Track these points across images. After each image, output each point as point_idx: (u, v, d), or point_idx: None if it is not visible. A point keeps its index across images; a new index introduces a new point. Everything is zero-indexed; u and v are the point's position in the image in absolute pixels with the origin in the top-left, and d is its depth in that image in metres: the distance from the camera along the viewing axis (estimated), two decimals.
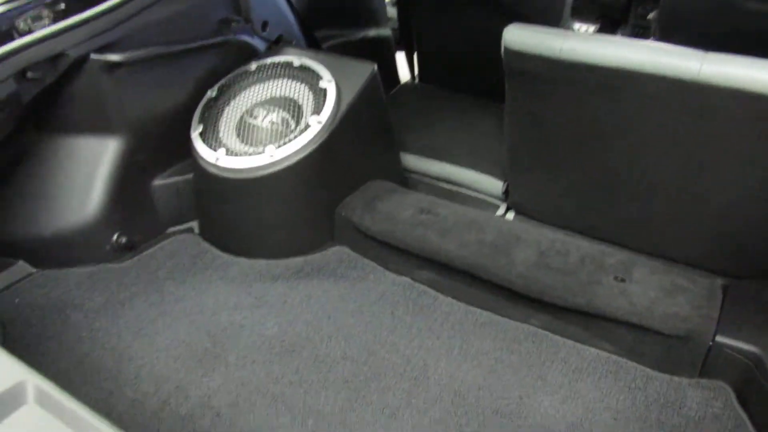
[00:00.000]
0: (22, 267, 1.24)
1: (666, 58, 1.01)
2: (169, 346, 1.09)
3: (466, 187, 1.54)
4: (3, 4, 1.12)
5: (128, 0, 1.18)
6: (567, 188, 1.32)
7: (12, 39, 1.08)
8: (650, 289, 1.08)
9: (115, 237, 1.28)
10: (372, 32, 2.07)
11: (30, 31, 1.10)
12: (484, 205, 1.51)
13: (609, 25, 2.19)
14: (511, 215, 1.47)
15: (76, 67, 1.13)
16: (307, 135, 1.23)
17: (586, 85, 1.10)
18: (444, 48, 1.93)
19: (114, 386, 1.02)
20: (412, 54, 2.12)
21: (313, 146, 1.23)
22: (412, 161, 1.58)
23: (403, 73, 2.21)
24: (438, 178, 1.57)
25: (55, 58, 1.10)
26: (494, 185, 1.50)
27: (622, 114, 1.13)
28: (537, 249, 1.19)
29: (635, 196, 1.23)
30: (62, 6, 1.19)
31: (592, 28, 2.25)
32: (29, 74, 1.07)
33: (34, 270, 1.24)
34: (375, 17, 2.07)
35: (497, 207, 1.50)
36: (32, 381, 0.60)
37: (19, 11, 1.13)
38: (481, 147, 1.57)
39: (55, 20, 1.14)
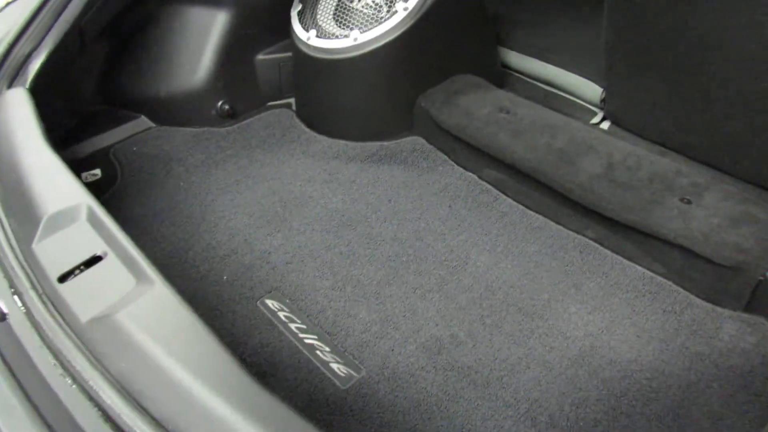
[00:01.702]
0: (143, 121, 1.44)
1: None
2: (245, 205, 1.23)
3: (565, 90, 1.48)
4: None
5: None
6: (662, 100, 1.22)
7: None
8: (715, 215, 1.01)
9: (219, 103, 1.43)
10: None
11: None
12: (582, 111, 1.45)
13: None
14: (606, 125, 1.40)
15: None
16: (392, 21, 1.25)
17: None
18: None
19: (195, 231, 1.19)
20: None
21: (397, 33, 1.25)
22: (513, 58, 1.53)
23: None
24: (537, 79, 1.52)
25: None
26: (594, 91, 1.42)
27: (717, 23, 1.01)
28: (607, 161, 1.14)
29: (732, 113, 1.12)
30: None
31: None
32: None
33: (152, 125, 1.44)
34: None
35: (594, 114, 1.44)
36: (89, 202, 0.74)
37: None
38: (587, 50, 1.47)
39: None
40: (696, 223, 1.01)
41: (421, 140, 1.35)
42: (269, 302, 1.04)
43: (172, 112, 1.41)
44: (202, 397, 0.54)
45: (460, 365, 0.92)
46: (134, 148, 1.37)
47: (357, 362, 0.93)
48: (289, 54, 1.44)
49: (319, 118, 1.40)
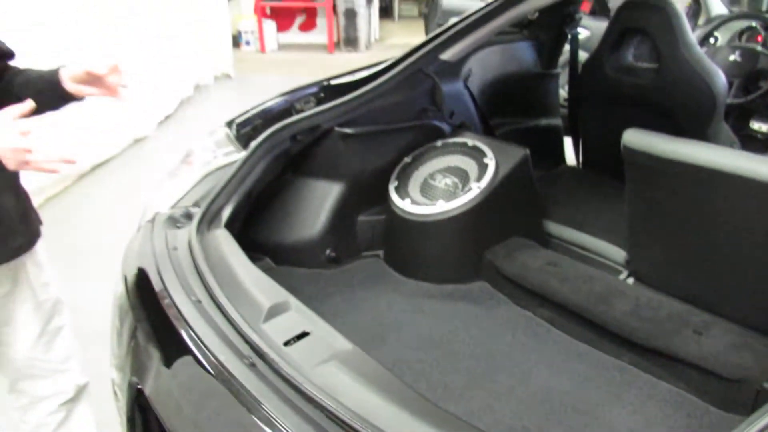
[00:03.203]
0: (267, 263, 1.84)
1: (746, 163, 1.32)
2: (351, 327, 1.58)
3: (595, 253, 1.88)
4: (288, 93, 1.78)
5: (362, 94, 1.78)
6: (675, 262, 1.61)
7: (291, 115, 1.72)
8: (721, 343, 1.35)
9: (327, 251, 1.84)
10: (543, 121, 2.50)
11: (302, 111, 1.74)
12: (610, 270, 1.84)
13: None
14: (630, 281, 1.77)
15: (324, 135, 1.74)
16: (469, 195, 1.71)
17: (683, 179, 1.44)
18: (604, 138, 2.29)
19: None
20: (578, 141, 2.50)
21: (471, 205, 1.70)
22: (554, 227, 1.96)
23: (570, 157, 2.59)
24: (573, 244, 1.93)
25: (314, 128, 1.72)
26: (620, 254, 1.82)
27: (717, 204, 1.43)
28: (635, 302, 1.51)
29: (734, 274, 1.49)
30: (322, 95, 1.82)
31: None
32: (298, 137, 1.68)
33: (274, 266, 1.84)
34: (547, 109, 2.50)
35: (620, 272, 1.82)
36: (293, 301, 1.12)
37: (297, 97, 1.79)
38: (615, 221, 1.90)
39: (317, 104, 1.77)
40: (707, 348, 1.35)
41: (487, 285, 1.74)
42: None
43: (291, 255, 1.83)
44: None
45: None
46: None
47: None
48: (382, 217, 1.88)
49: (407, 265, 1.80)
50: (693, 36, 1.86)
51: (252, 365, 0.98)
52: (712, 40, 3.00)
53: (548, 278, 1.62)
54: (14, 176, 1.40)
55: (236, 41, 7.65)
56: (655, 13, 1.82)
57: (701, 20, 3.36)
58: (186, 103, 5.95)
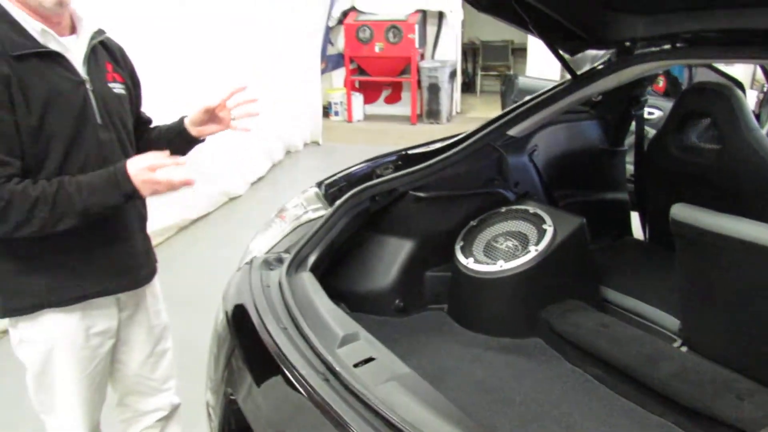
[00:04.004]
0: (342, 308, 2.05)
1: None
2: (412, 368, 1.76)
3: (648, 320, 1.97)
4: (370, 160, 2.04)
5: (435, 163, 2.01)
6: (723, 330, 1.69)
7: (372, 179, 1.98)
8: (762, 409, 1.42)
9: (396, 301, 2.04)
10: (609, 195, 2.63)
11: (381, 175, 1.99)
12: (664, 338, 1.92)
13: None
14: (684, 349, 1.85)
15: (400, 197, 1.97)
16: (526, 257, 1.87)
17: (727, 251, 1.55)
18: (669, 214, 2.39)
19: None
20: (645, 216, 2.61)
21: (530, 265, 1.86)
22: (611, 294, 2.08)
23: (638, 231, 2.69)
24: (629, 310, 2.03)
25: (391, 191, 1.96)
26: (674, 323, 1.90)
27: (761, 276, 1.53)
28: (680, 365, 1.60)
29: None
30: (399, 163, 2.07)
31: None
32: (376, 198, 1.92)
33: (348, 311, 2.05)
34: (613, 184, 2.64)
35: (675, 341, 1.90)
36: (362, 332, 1.32)
37: (378, 164, 2.05)
38: (672, 291, 1.99)
39: (395, 171, 2.02)
40: (748, 413, 1.43)
41: (541, 341, 1.87)
42: None
43: (364, 303, 2.03)
44: None
45: None
46: None
47: None
48: (448, 273, 2.07)
49: (468, 318, 1.97)
50: (755, 121, 1.99)
51: (326, 380, 1.18)
52: None
53: (599, 338, 1.74)
54: (143, 221, 1.72)
55: (326, 111, 8.22)
56: (719, 99, 1.97)
57: None
58: (277, 167, 6.44)
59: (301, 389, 1.18)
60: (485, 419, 1.55)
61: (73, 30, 1.52)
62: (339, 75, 8.76)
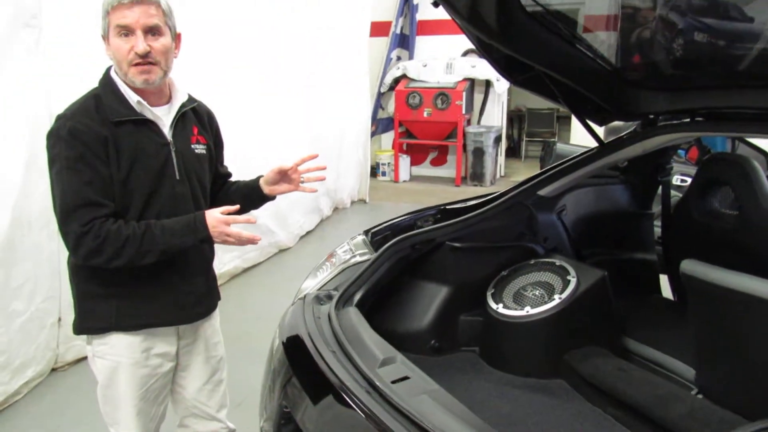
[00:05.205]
0: None
1: None
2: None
3: (669, 370, 2.10)
4: (413, 213, 2.30)
5: (471, 217, 2.25)
6: (735, 378, 1.83)
7: (413, 229, 2.22)
8: None
9: (432, 342, 2.23)
10: (637, 255, 2.79)
11: (422, 227, 2.24)
12: (682, 386, 2.05)
13: None
14: (700, 396, 1.98)
15: (438, 247, 2.21)
16: (551, 304, 2.06)
17: (733, 304, 1.71)
18: None
19: None
20: (674, 277, 2.75)
21: (554, 311, 2.05)
22: (632, 344, 2.22)
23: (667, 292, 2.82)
24: (647, 359, 2.17)
25: (430, 241, 2.19)
26: (690, 372, 2.03)
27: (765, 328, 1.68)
28: (690, 407, 1.74)
29: None
30: (438, 216, 2.32)
31: None
32: (416, 246, 2.16)
33: None
34: (640, 244, 2.80)
35: (692, 389, 2.02)
36: (399, 356, 1.54)
37: (419, 216, 2.30)
38: (685, 342, 2.13)
39: (434, 223, 2.26)
40: None
41: (564, 383, 2.03)
42: None
43: (401, 342, 2.21)
44: None
45: None
46: None
47: None
48: (480, 318, 2.26)
49: (497, 359, 2.15)
50: None
51: (368, 393, 1.40)
52: None
53: (617, 381, 1.90)
54: (207, 264, 1.96)
55: (374, 171, 8.61)
56: (734, 168, 2.16)
57: None
58: (325, 222, 6.77)
59: (348, 400, 1.40)
60: None
61: (170, 99, 1.82)
62: (388, 137, 9.19)
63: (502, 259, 2.33)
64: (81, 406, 3.02)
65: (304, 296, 1.98)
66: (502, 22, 1.86)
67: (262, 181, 2.00)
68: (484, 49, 2.08)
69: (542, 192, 2.37)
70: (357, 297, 1.92)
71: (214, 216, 1.70)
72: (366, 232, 2.28)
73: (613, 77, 2.22)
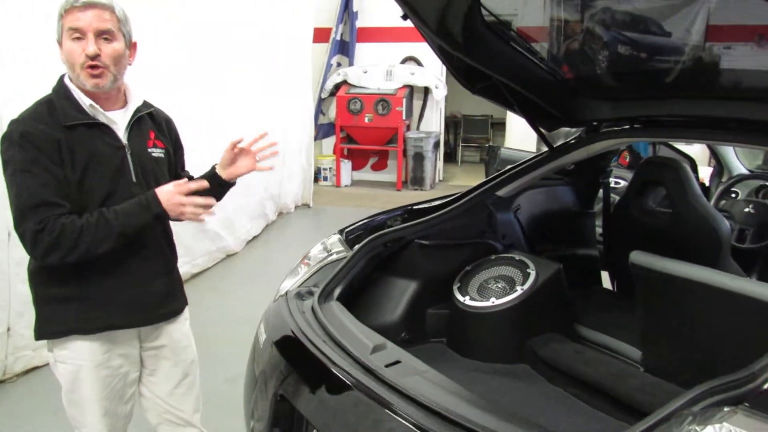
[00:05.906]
0: None
1: (719, 278, 1.82)
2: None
3: (617, 353, 2.32)
4: (383, 213, 2.43)
5: (436, 216, 2.41)
6: (675, 355, 2.06)
7: (384, 228, 2.35)
8: None
9: (403, 334, 2.37)
10: (580, 251, 3.03)
11: (392, 226, 2.37)
12: (630, 367, 2.27)
13: None
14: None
15: (407, 244, 2.35)
16: (514, 295, 2.24)
17: (674, 288, 1.94)
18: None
19: None
20: (614, 272, 3.00)
21: (516, 302, 2.23)
22: (584, 330, 2.44)
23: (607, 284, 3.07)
24: (599, 344, 2.39)
25: (399, 239, 2.33)
26: (636, 353, 2.26)
27: (699, 308, 1.91)
28: (641, 382, 1.96)
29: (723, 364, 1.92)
30: (406, 216, 2.46)
31: None
32: (388, 244, 2.29)
33: None
34: (584, 241, 3.04)
35: (638, 368, 2.25)
36: (389, 343, 1.66)
37: (389, 216, 2.43)
38: (633, 329, 2.36)
39: (402, 223, 2.40)
40: None
41: (527, 367, 2.22)
42: None
43: None
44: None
45: None
46: None
47: None
48: (447, 311, 2.42)
49: (465, 348, 2.31)
50: (699, 189, 2.42)
51: (366, 376, 1.52)
52: (733, 195, 3.55)
53: (575, 362, 2.09)
54: (168, 265, 1.95)
55: (316, 176, 8.67)
56: (667, 170, 2.41)
57: (724, 178, 3.92)
58: (270, 227, 6.79)
59: (350, 384, 1.51)
60: None
61: (125, 103, 1.79)
62: (329, 143, 9.29)
63: (465, 255, 2.49)
64: (34, 420, 2.96)
65: (285, 293, 2.07)
66: (466, 34, 2.03)
67: (218, 168, 1.99)
68: (445, 59, 2.25)
69: (500, 192, 2.55)
70: (337, 291, 2.03)
71: (166, 189, 1.71)
72: (341, 232, 2.39)
73: (562, 87, 2.43)
